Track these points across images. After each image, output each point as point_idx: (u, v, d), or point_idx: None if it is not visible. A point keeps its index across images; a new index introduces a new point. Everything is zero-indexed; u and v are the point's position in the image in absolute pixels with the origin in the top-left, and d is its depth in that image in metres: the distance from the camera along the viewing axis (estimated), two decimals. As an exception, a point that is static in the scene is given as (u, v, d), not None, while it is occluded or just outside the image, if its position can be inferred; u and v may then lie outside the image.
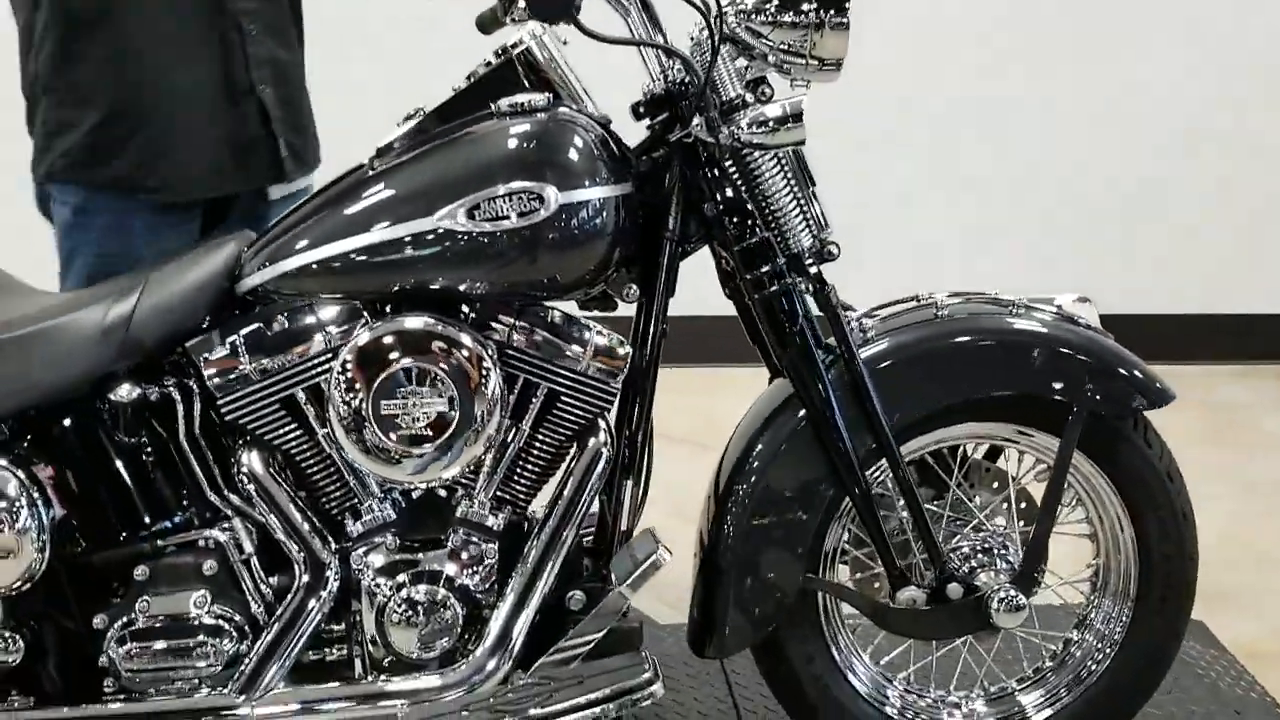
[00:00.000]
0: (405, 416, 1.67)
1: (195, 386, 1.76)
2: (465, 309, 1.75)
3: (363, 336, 1.69)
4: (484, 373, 1.69)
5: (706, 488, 1.95)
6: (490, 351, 1.71)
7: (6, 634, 1.70)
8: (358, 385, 1.67)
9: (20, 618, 1.72)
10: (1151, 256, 3.96)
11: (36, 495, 1.67)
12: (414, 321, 1.69)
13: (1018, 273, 3.69)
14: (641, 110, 1.84)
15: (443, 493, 1.80)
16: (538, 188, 1.67)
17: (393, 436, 1.67)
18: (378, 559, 1.75)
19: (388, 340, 1.68)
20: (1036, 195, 3.93)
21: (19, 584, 1.67)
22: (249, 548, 1.77)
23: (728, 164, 1.79)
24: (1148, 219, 3.95)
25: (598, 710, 1.67)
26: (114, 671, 1.73)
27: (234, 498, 1.77)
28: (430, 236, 1.68)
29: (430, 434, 1.68)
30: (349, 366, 1.67)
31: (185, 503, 1.77)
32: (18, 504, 1.65)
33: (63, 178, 2.05)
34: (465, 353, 1.69)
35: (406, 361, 1.67)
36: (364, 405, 1.67)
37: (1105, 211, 3.94)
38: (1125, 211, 3.95)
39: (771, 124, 1.72)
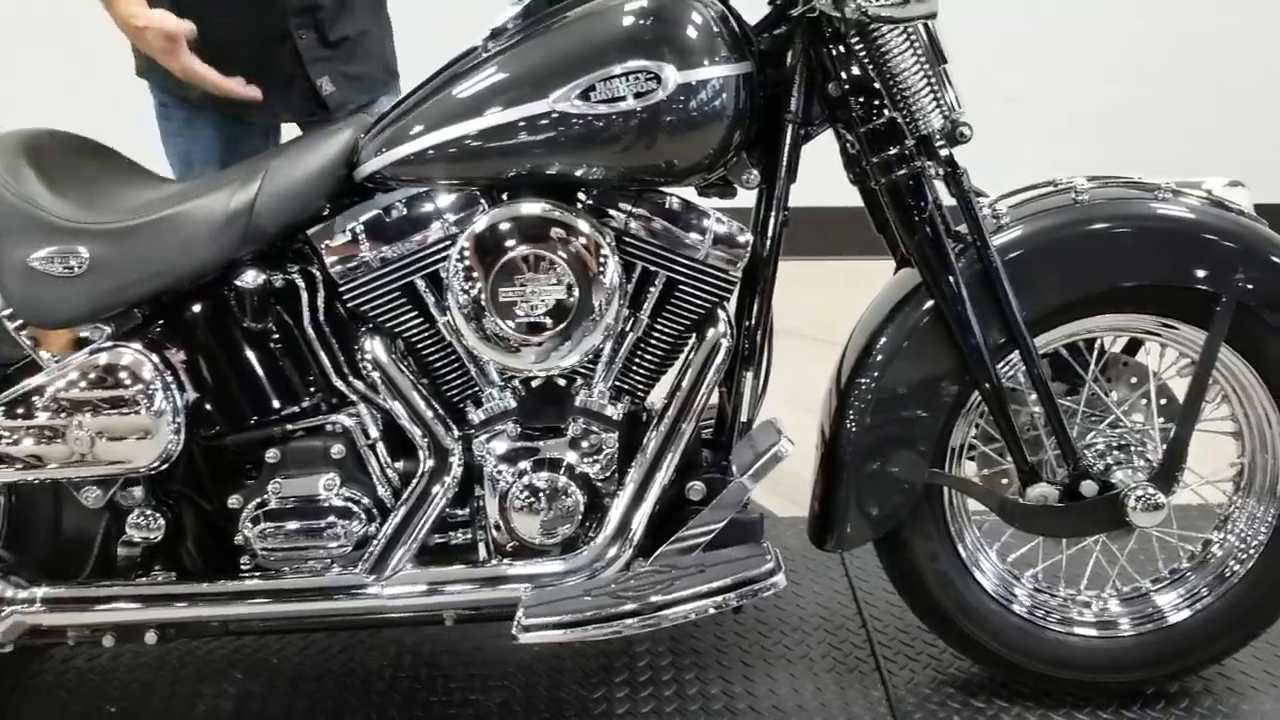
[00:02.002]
0: (523, 304, 1.66)
1: (318, 273, 1.78)
2: (582, 195, 1.73)
3: (480, 223, 1.67)
4: (602, 260, 1.67)
5: (828, 381, 1.91)
6: (608, 238, 1.68)
7: (148, 512, 1.77)
8: (475, 273, 1.66)
9: (160, 497, 1.78)
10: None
11: (170, 378, 1.72)
12: (531, 207, 1.67)
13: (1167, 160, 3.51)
14: None
15: (561, 382, 1.80)
16: (655, 67, 1.62)
17: (511, 324, 1.67)
18: (500, 446, 1.76)
19: (505, 227, 1.67)
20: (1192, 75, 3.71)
21: (157, 464, 1.73)
22: (374, 433, 1.80)
23: (854, 40, 1.71)
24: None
25: (719, 599, 1.67)
26: (249, 549, 1.79)
27: (358, 384, 1.80)
28: (545, 119, 1.64)
29: (549, 322, 1.67)
30: (467, 254, 1.67)
31: (312, 388, 1.81)
32: (153, 386, 1.70)
33: (143, 75, 2.17)
34: (583, 239, 1.67)
35: (524, 248, 1.66)
36: (482, 293, 1.66)
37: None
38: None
39: None
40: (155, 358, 1.72)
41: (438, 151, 1.69)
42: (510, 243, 1.66)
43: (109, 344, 1.72)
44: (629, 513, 1.74)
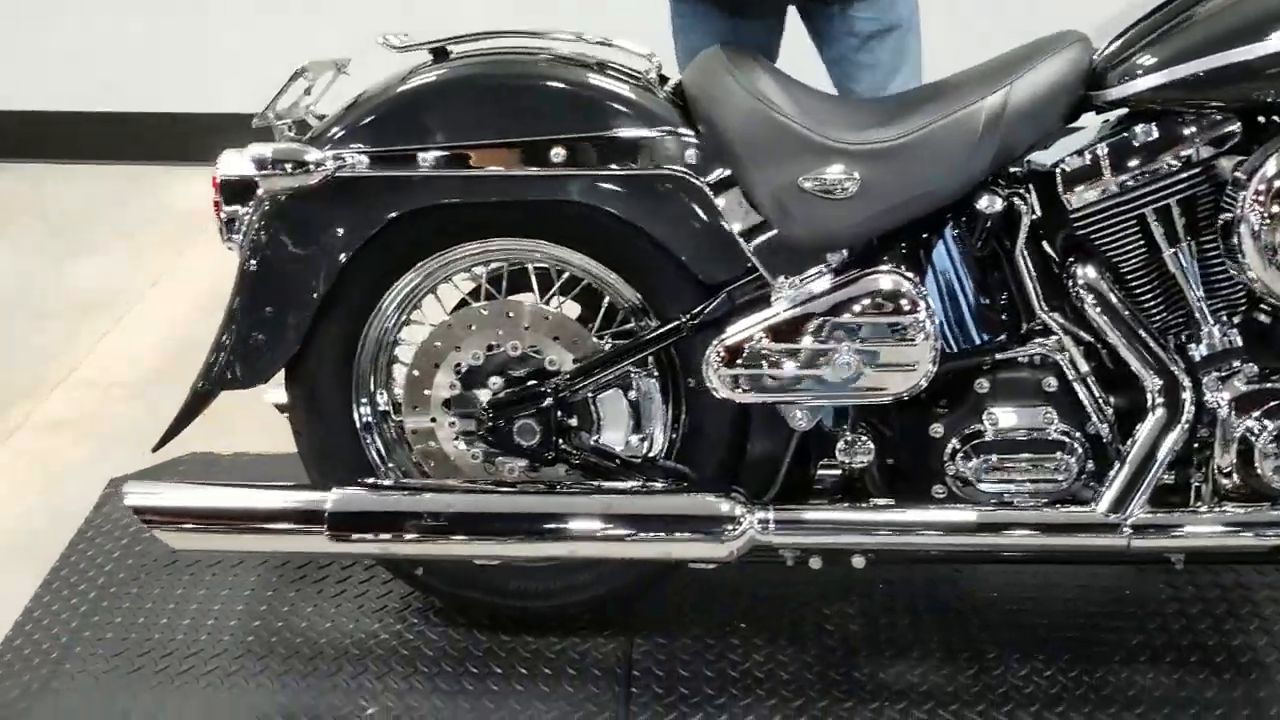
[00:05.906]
0: None
1: (1034, 197, 1.71)
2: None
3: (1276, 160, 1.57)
4: None
5: None
6: None
7: (858, 436, 1.75)
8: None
9: (870, 421, 1.77)
10: None
11: (930, 302, 1.68)
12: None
13: None
14: None
15: (1267, 319, 1.70)
16: None
17: None
18: (1235, 385, 1.68)
19: (1311, 156, 1.56)
20: None
21: (907, 393, 1.69)
22: (1084, 366, 1.73)
23: None
24: None
25: None
26: (955, 478, 1.76)
27: (1057, 315, 1.73)
28: None
29: None
30: (1264, 188, 1.57)
31: (1017, 317, 1.75)
32: (920, 314, 1.65)
33: None
34: None
35: None
36: None
37: None
38: None
39: None
40: (914, 283, 1.68)
41: (1207, 76, 1.59)
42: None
43: (856, 270, 1.68)
44: (1386, 463, 1.65)
